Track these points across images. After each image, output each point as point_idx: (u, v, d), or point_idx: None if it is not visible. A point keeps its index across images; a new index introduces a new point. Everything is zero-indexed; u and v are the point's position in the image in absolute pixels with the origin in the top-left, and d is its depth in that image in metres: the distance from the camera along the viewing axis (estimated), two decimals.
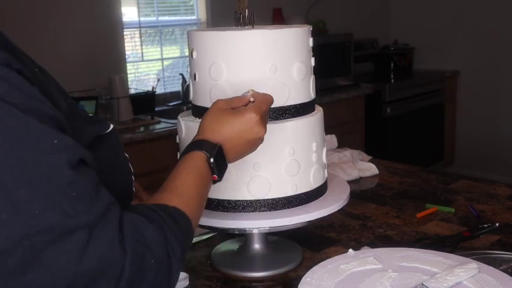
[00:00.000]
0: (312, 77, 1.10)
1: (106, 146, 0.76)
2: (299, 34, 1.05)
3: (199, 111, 1.06)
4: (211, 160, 0.80)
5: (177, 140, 1.13)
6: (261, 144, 0.91)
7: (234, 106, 0.89)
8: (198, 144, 0.83)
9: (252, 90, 0.93)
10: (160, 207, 0.69)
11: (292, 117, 1.05)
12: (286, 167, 1.03)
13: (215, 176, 0.81)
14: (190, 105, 1.13)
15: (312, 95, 1.11)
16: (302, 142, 1.05)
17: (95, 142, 0.72)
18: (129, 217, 0.61)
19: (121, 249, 0.57)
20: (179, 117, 1.12)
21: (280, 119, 1.04)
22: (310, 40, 1.09)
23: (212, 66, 1.02)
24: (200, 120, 1.06)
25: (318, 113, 1.11)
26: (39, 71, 0.68)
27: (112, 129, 0.78)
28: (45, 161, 0.54)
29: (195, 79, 1.07)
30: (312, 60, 1.10)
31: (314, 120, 1.08)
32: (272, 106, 0.96)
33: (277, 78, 1.02)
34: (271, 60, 1.02)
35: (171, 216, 0.68)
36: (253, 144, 0.88)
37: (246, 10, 1.08)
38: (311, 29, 1.10)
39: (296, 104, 1.05)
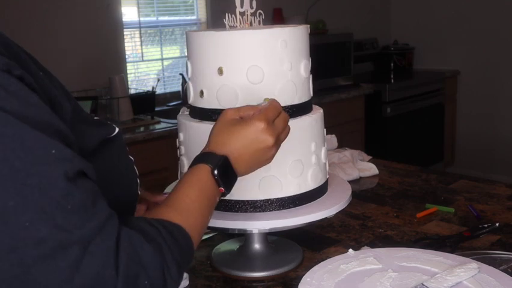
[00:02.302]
0: (284, 81, 1.03)
1: (112, 149, 0.74)
2: (255, 37, 1.01)
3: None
4: (215, 172, 0.78)
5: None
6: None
7: (243, 115, 0.86)
8: (202, 157, 0.80)
9: (267, 99, 0.90)
10: (160, 224, 0.67)
11: None
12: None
13: (221, 188, 0.79)
14: None
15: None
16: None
17: (101, 146, 0.71)
18: (127, 233, 0.59)
19: (115, 269, 0.56)
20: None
21: None
22: (279, 42, 1.01)
23: (187, 64, 1.09)
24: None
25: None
26: (44, 74, 0.66)
27: (118, 132, 0.77)
28: (38, 171, 0.52)
29: None
30: (285, 64, 1.02)
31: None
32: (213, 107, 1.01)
33: (223, 80, 1.02)
34: (221, 62, 1.01)
35: (171, 235, 0.66)
36: (262, 153, 0.84)
37: (237, 11, 1.08)
38: (288, 30, 1.03)
39: None
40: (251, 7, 1.09)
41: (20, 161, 0.51)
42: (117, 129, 0.77)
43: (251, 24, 1.10)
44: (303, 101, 1.08)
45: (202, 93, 1.05)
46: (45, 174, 0.52)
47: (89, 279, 0.53)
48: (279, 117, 0.86)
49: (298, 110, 1.07)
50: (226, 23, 1.08)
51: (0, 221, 0.50)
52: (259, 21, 1.11)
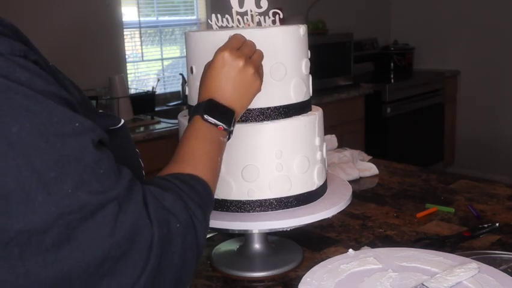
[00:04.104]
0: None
1: (117, 140, 0.76)
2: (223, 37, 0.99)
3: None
4: (205, 116, 0.82)
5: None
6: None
7: None
8: (192, 111, 0.86)
9: None
10: (173, 176, 0.72)
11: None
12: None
13: (220, 126, 0.83)
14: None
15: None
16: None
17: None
18: (148, 188, 0.65)
19: (148, 218, 0.61)
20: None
21: None
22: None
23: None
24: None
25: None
26: (53, 65, 0.70)
27: (123, 124, 0.79)
28: (70, 143, 0.56)
29: None
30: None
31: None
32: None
33: (195, 78, 1.04)
34: (191, 62, 1.04)
35: (185, 183, 0.72)
36: (241, 78, 0.87)
37: (234, 11, 1.08)
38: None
39: None
40: (258, 7, 1.08)
41: (52, 135, 0.55)
42: (122, 121, 0.79)
43: (259, 24, 1.08)
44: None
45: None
46: (76, 145, 0.56)
47: (128, 231, 0.58)
48: (244, 43, 0.91)
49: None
50: (212, 23, 1.06)
51: (45, 192, 0.53)
52: (273, 20, 1.07)
